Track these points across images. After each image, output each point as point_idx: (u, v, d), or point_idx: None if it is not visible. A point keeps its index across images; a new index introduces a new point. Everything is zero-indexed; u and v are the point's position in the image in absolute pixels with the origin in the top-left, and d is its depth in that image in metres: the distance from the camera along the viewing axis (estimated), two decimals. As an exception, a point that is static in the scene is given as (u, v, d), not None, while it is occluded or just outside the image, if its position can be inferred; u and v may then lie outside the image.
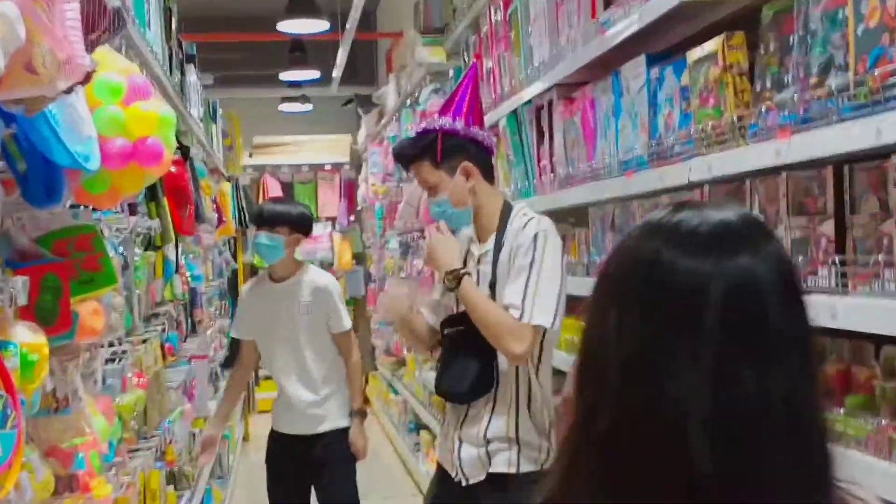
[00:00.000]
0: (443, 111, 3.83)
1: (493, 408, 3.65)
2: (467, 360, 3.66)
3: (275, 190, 13.56)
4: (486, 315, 3.50)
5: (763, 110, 2.49)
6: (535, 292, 3.46)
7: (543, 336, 3.54)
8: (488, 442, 3.66)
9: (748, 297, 1.23)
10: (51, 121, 2.19)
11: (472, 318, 3.55)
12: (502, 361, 3.58)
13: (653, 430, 1.28)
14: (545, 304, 3.46)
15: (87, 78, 2.09)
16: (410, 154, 3.84)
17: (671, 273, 1.24)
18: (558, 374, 3.88)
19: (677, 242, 1.25)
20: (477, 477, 3.70)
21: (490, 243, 3.72)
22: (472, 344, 3.59)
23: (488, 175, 3.83)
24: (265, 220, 5.46)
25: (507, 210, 3.76)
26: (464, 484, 3.72)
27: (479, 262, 3.75)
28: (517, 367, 3.59)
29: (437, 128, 3.73)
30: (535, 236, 3.54)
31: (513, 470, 3.63)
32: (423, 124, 4.00)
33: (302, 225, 5.51)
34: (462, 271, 3.59)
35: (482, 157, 3.80)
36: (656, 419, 1.27)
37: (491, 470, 3.65)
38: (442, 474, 3.90)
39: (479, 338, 3.54)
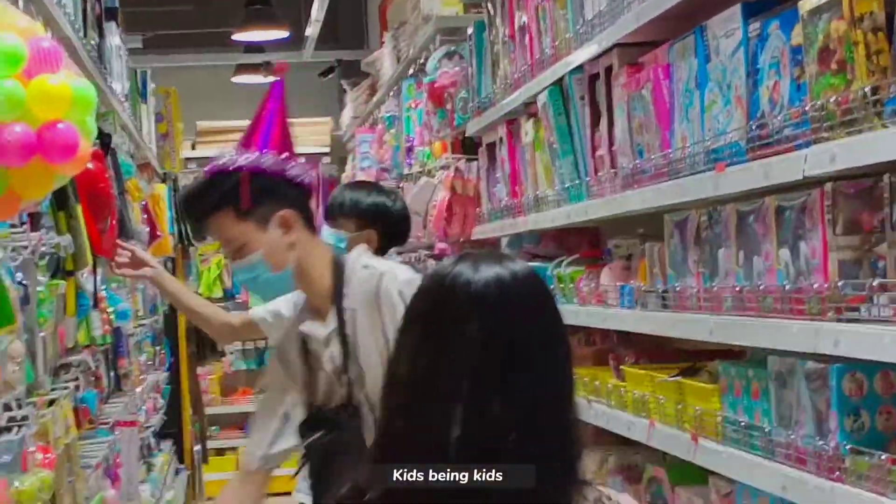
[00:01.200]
0: (245, 142, 3.81)
1: None
2: (341, 468, 3.54)
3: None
4: None
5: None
6: None
7: None
8: None
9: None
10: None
11: None
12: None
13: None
14: None
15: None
16: (204, 203, 3.81)
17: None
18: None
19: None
20: None
21: (332, 318, 3.81)
22: (340, 450, 3.69)
23: (310, 223, 3.92)
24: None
25: (338, 266, 3.88)
26: None
27: (327, 344, 3.83)
28: None
29: (240, 166, 3.71)
30: (400, 293, 3.68)
31: None
32: (219, 162, 3.86)
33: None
34: None
35: (301, 201, 3.89)
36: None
37: None
38: None
39: (344, 443, 3.65)
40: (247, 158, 3.68)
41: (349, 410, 3.74)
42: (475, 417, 2.27)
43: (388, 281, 3.77)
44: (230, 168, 3.68)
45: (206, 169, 3.77)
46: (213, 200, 3.72)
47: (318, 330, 3.81)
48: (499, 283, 2.42)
